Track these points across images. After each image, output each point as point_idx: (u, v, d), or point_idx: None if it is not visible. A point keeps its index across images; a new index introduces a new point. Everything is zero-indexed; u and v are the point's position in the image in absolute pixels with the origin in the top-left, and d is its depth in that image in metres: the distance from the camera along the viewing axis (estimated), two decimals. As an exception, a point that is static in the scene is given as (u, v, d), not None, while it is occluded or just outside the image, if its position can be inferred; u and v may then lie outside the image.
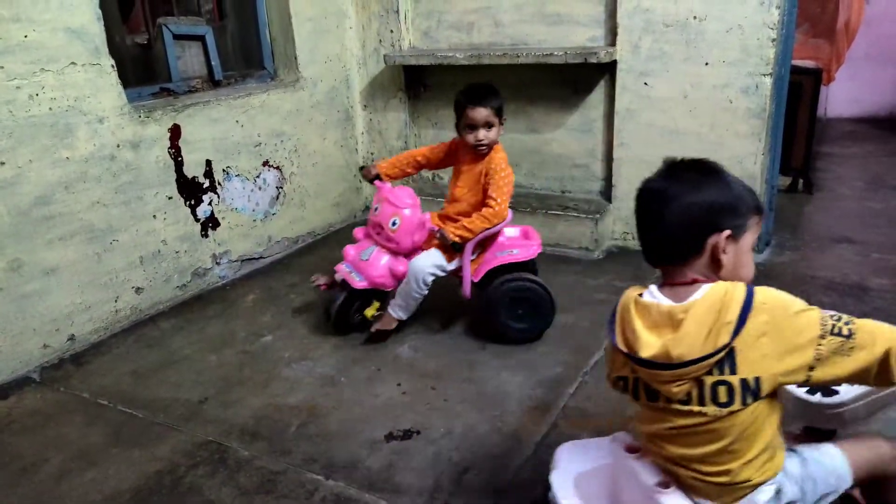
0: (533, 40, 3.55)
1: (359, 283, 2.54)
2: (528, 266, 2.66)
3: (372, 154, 4.19)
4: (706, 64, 3.07)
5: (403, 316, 2.58)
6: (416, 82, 3.97)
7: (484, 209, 2.48)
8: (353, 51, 3.98)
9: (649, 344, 1.20)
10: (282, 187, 3.61)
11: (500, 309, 2.55)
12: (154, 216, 2.97)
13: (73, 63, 2.58)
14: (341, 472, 1.94)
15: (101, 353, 2.73)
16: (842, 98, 6.41)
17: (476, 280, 2.57)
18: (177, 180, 3.05)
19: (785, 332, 1.14)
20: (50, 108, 2.53)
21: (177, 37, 3.24)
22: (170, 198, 3.03)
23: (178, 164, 3.05)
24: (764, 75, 2.97)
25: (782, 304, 1.17)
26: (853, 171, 4.75)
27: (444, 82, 3.88)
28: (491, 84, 2.56)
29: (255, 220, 3.47)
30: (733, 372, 1.15)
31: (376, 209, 2.56)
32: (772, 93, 3.00)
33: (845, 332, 1.14)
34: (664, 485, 1.29)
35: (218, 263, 3.31)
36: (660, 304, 1.23)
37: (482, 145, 2.48)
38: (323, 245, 3.81)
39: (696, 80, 3.13)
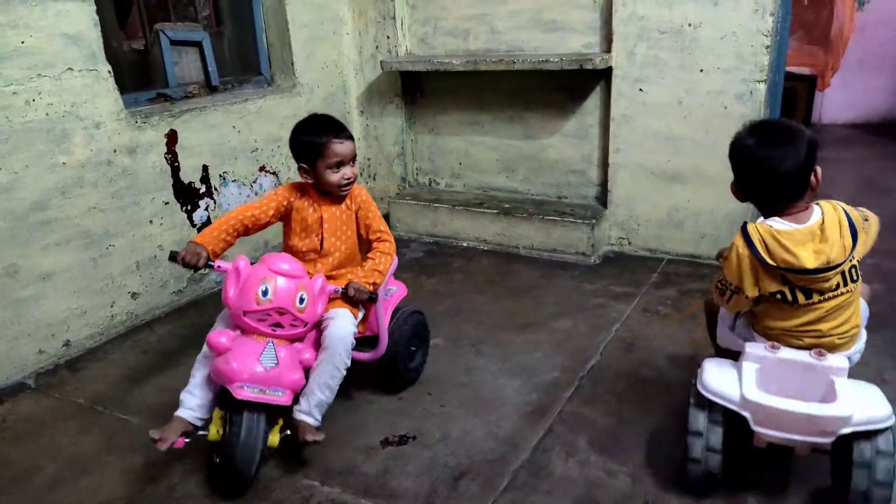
0: (529, 47, 3.56)
1: (283, 398, 1.88)
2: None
3: (369, 160, 4.20)
4: (701, 70, 3.09)
5: (318, 417, 1.98)
6: (412, 88, 3.98)
7: (379, 245, 2.19)
8: (350, 57, 3.99)
9: (809, 258, 1.60)
10: (278, 193, 3.60)
11: (405, 350, 2.31)
12: (150, 221, 2.97)
13: (69, 69, 2.58)
14: (337, 478, 1.94)
15: (97, 358, 2.72)
16: (836, 104, 6.45)
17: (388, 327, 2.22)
18: (173, 186, 3.05)
19: (869, 232, 1.74)
20: (47, 114, 2.53)
21: (174, 42, 3.24)
22: (166, 203, 3.03)
23: (175, 170, 3.05)
24: (758, 82, 2.99)
25: (862, 216, 1.72)
26: (847, 176, 4.77)
27: (441, 88, 3.89)
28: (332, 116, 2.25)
29: (251, 226, 3.47)
30: (852, 257, 1.64)
31: (265, 293, 1.89)
32: (766, 99, 3.01)
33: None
34: (819, 354, 1.67)
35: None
36: (799, 228, 1.64)
37: (348, 184, 2.14)
38: (319, 250, 3.80)
39: (690, 87, 3.14)
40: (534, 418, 2.17)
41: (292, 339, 1.99)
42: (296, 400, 1.95)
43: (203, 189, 3.19)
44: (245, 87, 3.58)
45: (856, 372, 2.36)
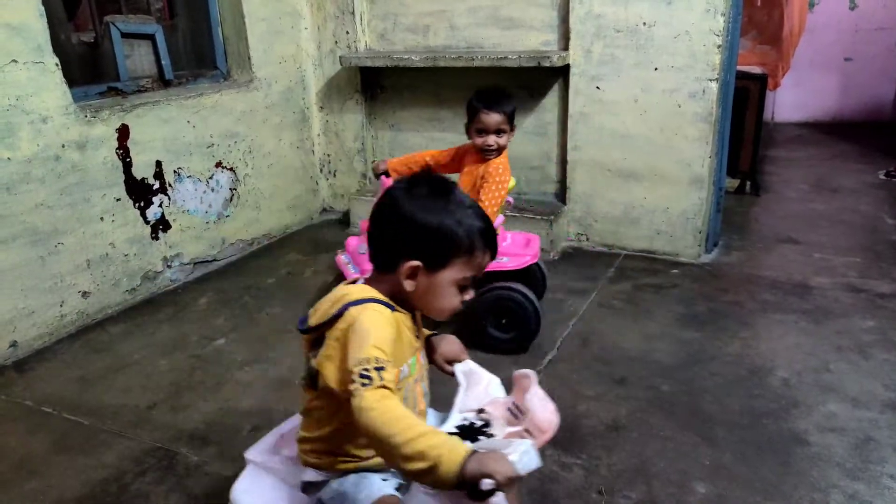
0: (488, 44, 3.58)
1: (353, 274, 2.49)
2: (527, 274, 2.63)
3: (328, 156, 4.17)
4: (655, 69, 3.14)
5: None
6: (372, 84, 3.97)
7: None
8: (309, 51, 3.95)
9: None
10: (235, 189, 3.56)
11: (484, 317, 2.51)
12: (101, 218, 2.90)
13: (13, 61, 2.50)
14: (293, 476, 1.92)
15: (46, 359, 2.64)
16: (788, 103, 6.64)
17: None
18: (125, 182, 2.98)
19: (346, 345, 1.14)
20: (-10, 107, 2.45)
21: (125, 35, 3.17)
22: (118, 199, 2.96)
23: (127, 165, 2.98)
24: (710, 80, 3.05)
25: (365, 326, 1.14)
26: (798, 174, 4.92)
27: (401, 84, 3.88)
28: (505, 89, 2.56)
29: (207, 223, 3.42)
30: (314, 357, 1.22)
31: None
32: (718, 97, 3.08)
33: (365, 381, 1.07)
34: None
35: (169, 266, 3.24)
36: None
37: (491, 150, 2.46)
38: (279, 247, 3.77)
39: (646, 85, 3.20)
40: (491, 413, 2.19)
41: None
42: None
43: (157, 185, 3.13)
44: (200, 81, 3.52)
45: (804, 360, 2.44)
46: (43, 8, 2.57)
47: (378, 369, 1.07)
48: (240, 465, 1.95)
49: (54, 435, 2.16)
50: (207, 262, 3.45)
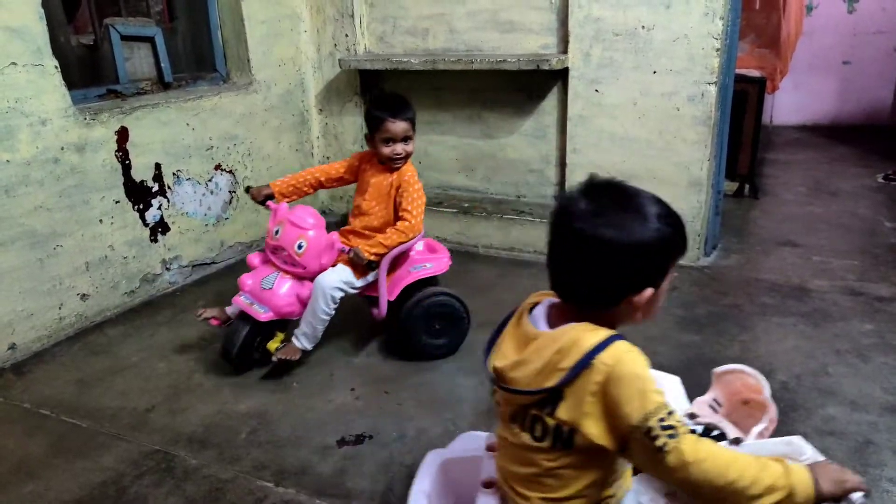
0: (487, 47, 3.58)
1: (264, 315, 2.31)
2: (433, 280, 2.60)
3: (328, 158, 4.17)
4: (654, 72, 3.15)
5: (308, 346, 2.39)
6: (371, 87, 3.97)
7: (399, 223, 2.39)
8: (308, 54, 3.95)
9: (502, 356, 1.19)
10: (235, 191, 3.56)
11: (418, 326, 2.47)
12: (100, 221, 2.90)
13: (13, 63, 2.50)
14: (292, 479, 1.92)
15: (45, 361, 2.64)
16: (787, 106, 6.65)
17: (391, 298, 2.45)
18: (124, 184, 2.98)
19: (614, 399, 1.04)
20: (-11, 110, 2.45)
21: (125, 38, 3.17)
22: (117, 202, 2.96)
23: (126, 168, 2.98)
24: (709, 84, 3.06)
25: (634, 372, 1.04)
26: (797, 177, 4.92)
27: (400, 87, 3.88)
28: (404, 96, 2.49)
29: (206, 225, 3.42)
30: (552, 415, 1.10)
31: (277, 232, 2.35)
32: (717, 101, 3.09)
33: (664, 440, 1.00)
34: (488, 485, 1.32)
35: (168, 269, 3.24)
36: (530, 327, 1.17)
37: (399, 158, 2.40)
38: (277, 250, 3.76)
39: (644, 88, 3.20)
40: (489, 416, 2.18)
41: (301, 277, 2.37)
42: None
43: (156, 188, 3.13)
44: (200, 83, 3.52)
45: (803, 363, 2.44)
46: (43, 10, 2.58)
47: (670, 414, 1.01)
48: (237, 467, 1.96)
49: (52, 437, 2.16)
50: (206, 264, 3.45)
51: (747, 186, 4.49)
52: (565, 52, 3.32)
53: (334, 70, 3.92)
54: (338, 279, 2.33)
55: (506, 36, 3.52)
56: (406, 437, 2.09)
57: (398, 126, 2.36)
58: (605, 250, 1.06)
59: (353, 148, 4.07)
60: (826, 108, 6.69)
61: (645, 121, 3.24)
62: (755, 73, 4.54)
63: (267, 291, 2.33)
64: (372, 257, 2.32)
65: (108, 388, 2.43)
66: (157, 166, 3.12)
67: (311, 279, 2.36)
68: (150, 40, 3.28)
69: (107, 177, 2.90)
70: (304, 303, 2.37)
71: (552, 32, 3.41)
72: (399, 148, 2.38)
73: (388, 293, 2.45)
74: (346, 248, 2.33)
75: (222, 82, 3.62)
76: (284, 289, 2.34)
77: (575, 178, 3.49)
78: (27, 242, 2.63)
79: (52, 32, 2.65)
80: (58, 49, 2.69)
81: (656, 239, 1.07)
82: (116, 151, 2.93)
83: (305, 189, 2.58)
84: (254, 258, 2.48)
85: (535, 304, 1.23)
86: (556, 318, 1.16)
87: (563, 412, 1.08)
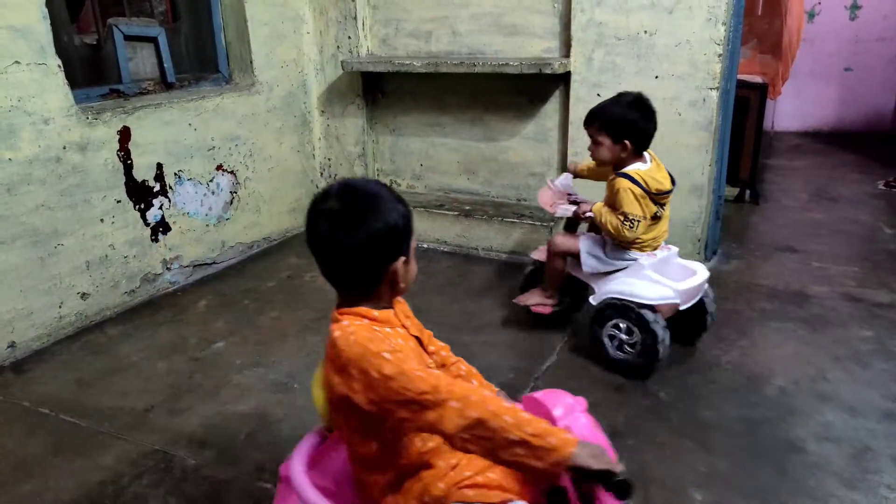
0: (490, 50, 3.59)
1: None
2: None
3: (329, 160, 4.18)
4: (656, 77, 3.15)
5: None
6: (373, 89, 3.98)
7: None
8: (311, 56, 3.96)
9: (667, 182, 2.39)
10: (236, 192, 3.56)
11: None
12: (102, 220, 2.91)
13: (16, 62, 2.51)
14: (290, 480, 1.92)
15: (44, 360, 2.64)
16: (789, 112, 6.65)
17: None
18: (126, 183, 2.99)
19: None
20: (-8, 108, 2.46)
21: (128, 38, 3.18)
22: (118, 201, 2.97)
23: (128, 167, 2.99)
24: (711, 89, 3.06)
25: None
26: (797, 183, 4.93)
27: (402, 89, 3.89)
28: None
29: (208, 225, 3.42)
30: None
31: None
32: (718, 106, 3.09)
33: None
34: (669, 248, 2.52)
35: (169, 269, 3.24)
36: (651, 166, 2.32)
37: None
38: (279, 251, 3.77)
39: (646, 93, 3.14)
40: (489, 418, 2.19)
41: None
42: None
43: (157, 187, 3.13)
44: (202, 84, 3.53)
45: (802, 368, 2.44)
46: (46, 10, 2.58)
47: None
48: (237, 468, 1.96)
49: (51, 437, 2.16)
50: (207, 264, 3.46)
51: (748, 192, 4.50)
52: (568, 56, 3.33)
53: (337, 72, 3.93)
54: None
55: (508, 39, 3.53)
56: (405, 440, 2.09)
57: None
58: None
59: (354, 150, 4.08)
60: (827, 114, 6.69)
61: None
62: (757, 78, 4.55)
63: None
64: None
65: (108, 388, 2.44)
66: (159, 166, 3.12)
67: None
68: (153, 40, 3.29)
69: (108, 176, 2.91)
70: None
71: (555, 36, 3.41)
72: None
73: None
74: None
75: (225, 83, 3.62)
76: None
77: (576, 182, 3.49)
78: (28, 241, 2.64)
79: (56, 32, 2.65)
80: (61, 48, 2.69)
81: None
82: (118, 151, 2.93)
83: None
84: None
85: None
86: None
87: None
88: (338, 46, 3.89)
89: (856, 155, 5.72)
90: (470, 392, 1.10)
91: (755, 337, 2.68)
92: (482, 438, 1.07)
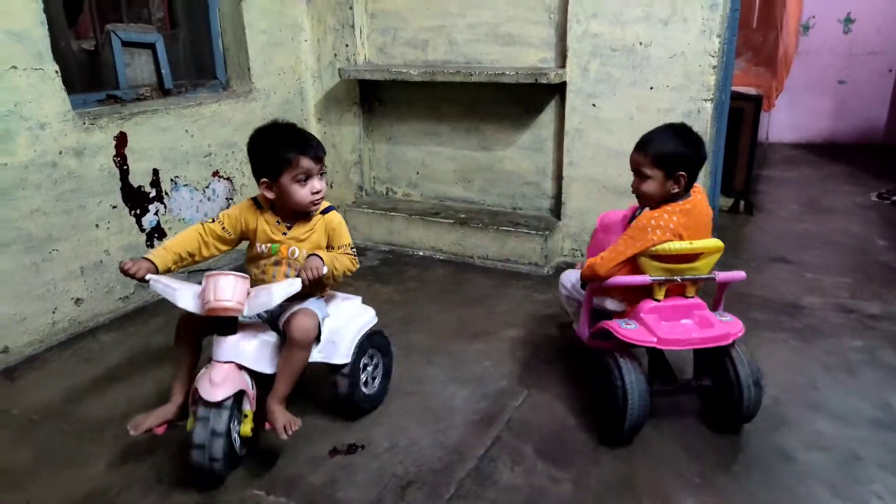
0: (486, 59, 3.61)
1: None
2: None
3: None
4: (651, 88, 3.18)
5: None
6: (371, 97, 3.99)
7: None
8: (308, 64, 3.98)
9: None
10: (232, 199, 3.56)
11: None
12: (97, 225, 2.90)
13: (13, 67, 2.51)
14: (283, 489, 1.91)
15: (36, 367, 2.63)
16: (783, 124, 6.70)
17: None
18: (122, 189, 2.99)
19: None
20: (-12, 113, 2.46)
21: (126, 44, 3.19)
22: (114, 207, 2.97)
23: (124, 173, 2.99)
24: (705, 100, 3.09)
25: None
26: (791, 195, 4.96)
27: (399, 98, 3.91)
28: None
29: (203, 232, 3.41)
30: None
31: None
32: (713, 117, 3.12)
33: None
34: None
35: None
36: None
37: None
38: (273, 258, 3.76)
39: (641, 104, 3.23)
40: (481, 427, 2.19)
41: None
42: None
43: (153, 193, 3.13)
44: (199, 90, 3.53)
45: (792, 378, 2.45)
46: (44, 15, 2.59)
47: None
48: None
49: (39, 446, 2.14)
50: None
51: (742, 202, 4.52)
52: (563, 66, 3.35)
53: (334, 80, 3.94)
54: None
55: (505, 49, 3.55)
56: (398, 448, 2.09)
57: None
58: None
59: (350, 158, 4.09)
60: (821, 126, 6.74)
61: (641, 135, 3.25)
62: (751, 90, 4.58)
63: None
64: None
65: (99, 397, 2.42)
66: (155, 172, 3.12)
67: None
68: (150, 47, 3.30)
69: (104, 182, 2.91)
70: None
71: (550, 47, 3.44)
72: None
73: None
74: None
75: (222, 90, 3.63)
76: None
77: (571, 192, 3.52)
78: (23, 246, 2.63)
79: (54, 37, 2.66)
80: (59, 54, 2.70)
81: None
82: (114, 157, 2.93)
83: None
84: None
85: None
86: None
87: None
88: (335, 54, 3.91)
89: (849, 166, 5.76)
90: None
91: (747, 346, 2.68)
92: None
